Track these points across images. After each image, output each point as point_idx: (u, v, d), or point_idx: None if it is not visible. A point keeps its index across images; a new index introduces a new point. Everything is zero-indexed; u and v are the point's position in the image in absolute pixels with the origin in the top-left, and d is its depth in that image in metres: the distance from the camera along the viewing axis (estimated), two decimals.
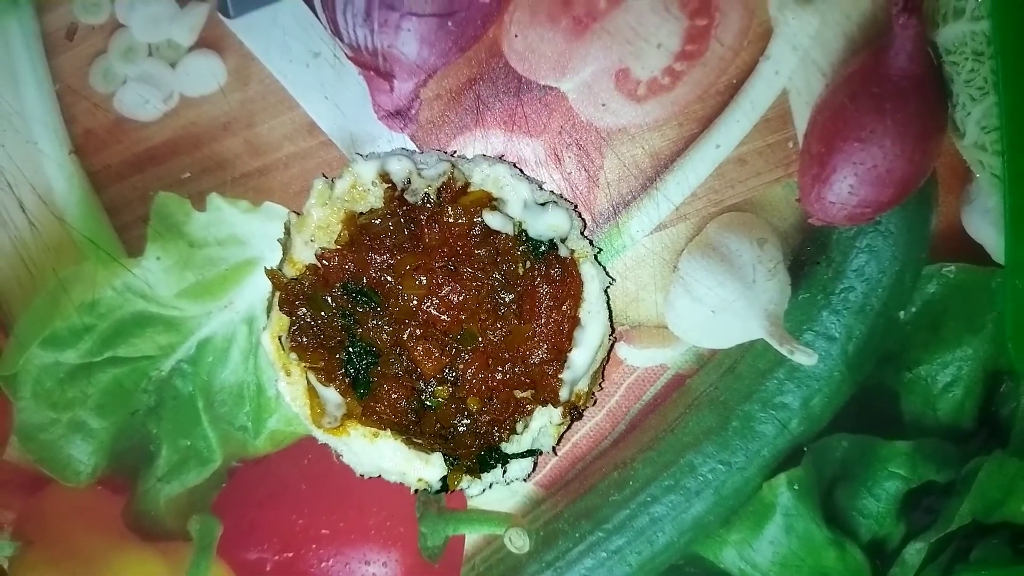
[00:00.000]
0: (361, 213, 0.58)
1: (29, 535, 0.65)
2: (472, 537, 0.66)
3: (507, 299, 0.58)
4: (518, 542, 0.65)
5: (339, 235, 0.58)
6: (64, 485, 0.65)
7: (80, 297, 0.63)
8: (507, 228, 0.58)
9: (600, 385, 0.63)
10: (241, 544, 0.65)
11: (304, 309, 0.59)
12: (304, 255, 0.59)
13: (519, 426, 0.60)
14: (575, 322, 0.59)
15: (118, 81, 0.62)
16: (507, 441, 0.60)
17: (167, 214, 0.63)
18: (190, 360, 0.64)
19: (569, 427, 0.62)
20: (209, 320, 0.64)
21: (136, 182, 0.63)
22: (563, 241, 0.59)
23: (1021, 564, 0.65)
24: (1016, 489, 0.65)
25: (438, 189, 0.58)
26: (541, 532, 0.65)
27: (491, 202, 0.58)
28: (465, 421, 0.59)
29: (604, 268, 0.62)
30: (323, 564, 0.65)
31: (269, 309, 0.61)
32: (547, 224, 0.58)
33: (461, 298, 0.58)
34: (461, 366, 0.59)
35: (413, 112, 0.62)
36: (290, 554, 0.65)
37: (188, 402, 0.64)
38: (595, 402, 0.63)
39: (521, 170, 0.61)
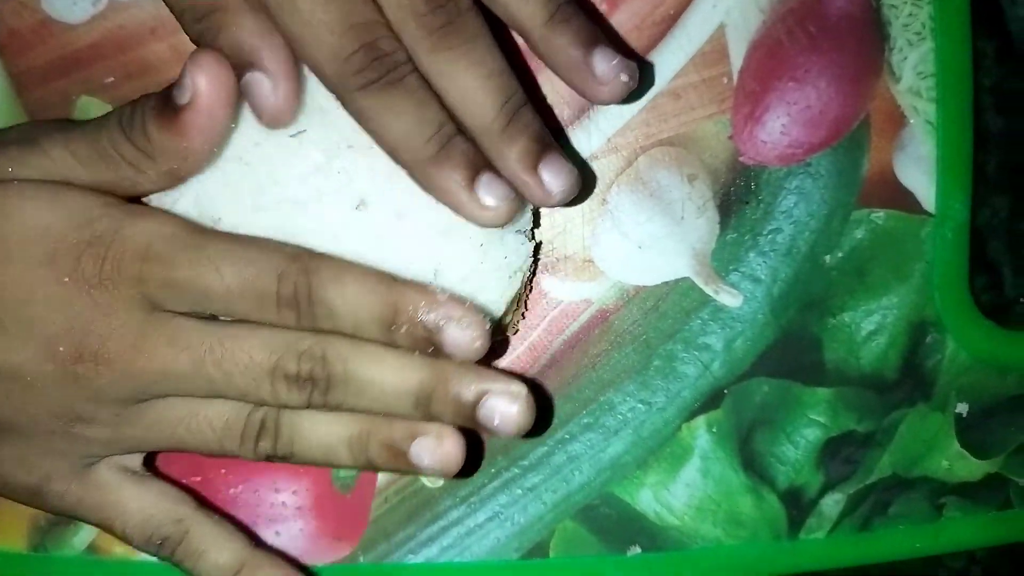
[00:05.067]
0: None
1: None
2: None
3: None
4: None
5: None
6: None
7: None
8: None
9: (523, 315, 0.62)
10: (147, 464, 0.63)
11: None
12: None
13: None
14: None
15: None
16: None
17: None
18: None
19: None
20: None
21: (59, 86, 0.61)
22: None
23: (939, 520, 0.64)
24: (937, 443, 0.64)
25: None
26: None
27: None
28: None
29: None
30: (231, 490, 0.63)
31: None
32: None
33: None
34: None
35: None
36: (198, 478, 0.63)
37: None
38: (516, 332, 0.62)
39: None
